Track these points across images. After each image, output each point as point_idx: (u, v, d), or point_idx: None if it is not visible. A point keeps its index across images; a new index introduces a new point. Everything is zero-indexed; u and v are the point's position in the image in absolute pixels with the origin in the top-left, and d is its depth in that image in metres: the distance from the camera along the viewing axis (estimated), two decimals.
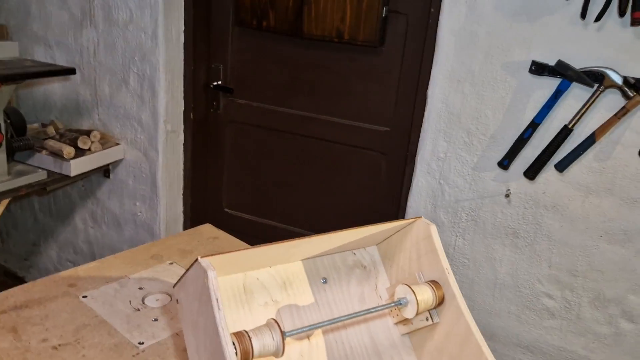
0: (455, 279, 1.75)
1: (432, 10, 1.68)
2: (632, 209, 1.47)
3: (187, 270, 0.79)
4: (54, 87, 2.36)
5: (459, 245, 1.74)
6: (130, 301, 1.15)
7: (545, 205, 1.58)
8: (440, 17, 1.60)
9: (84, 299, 1.14)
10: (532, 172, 1.56)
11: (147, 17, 2.03)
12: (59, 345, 1.00)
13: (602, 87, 1.42)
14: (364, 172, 2.04)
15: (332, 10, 1.82)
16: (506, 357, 1.75)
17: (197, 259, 0.75)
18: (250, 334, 0.75)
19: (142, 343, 1.03)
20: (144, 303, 1.15)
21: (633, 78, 1.38)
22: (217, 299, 0.72)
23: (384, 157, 1.99)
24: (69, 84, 2.31)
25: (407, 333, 0.98)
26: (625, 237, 1.50)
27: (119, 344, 1.02)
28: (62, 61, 2.27)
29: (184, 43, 2.13)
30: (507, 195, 1.62)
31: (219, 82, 2.19)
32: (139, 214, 2.35)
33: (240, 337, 0.74)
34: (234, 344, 0.73)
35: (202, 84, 2.22)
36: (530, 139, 1.54)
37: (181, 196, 2.37)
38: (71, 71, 2.01)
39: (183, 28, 2.11)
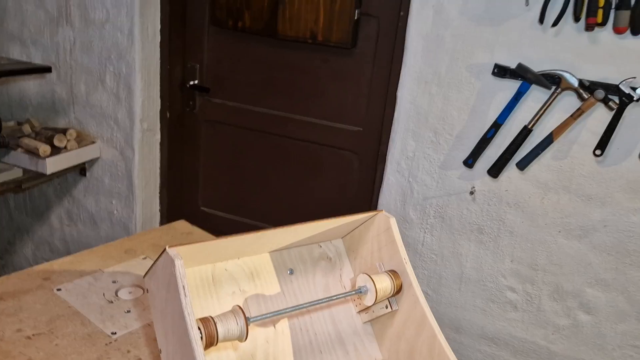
0: (424, 274, 1.82)
1: (401, 13, 1.74)
2: (588, 206, 1.55)
3: (156, 260, 0.83)
4: (30, 86, 2.36)
5: (427, 241, 1.80)
6: (103, 294, 1.19)
7: (508, 202, 1.65)
8: (409, 21, 1.66)
9: (58, 292, 1.17)
10: (495, 171, 1.63)
11: (124, 16, 2.06)
12: (33, 335, 1.03)
13: (559, 89, 1.49)
14: (337, 171, 2.09)
15: (306, 11, 1.87)
16: (471, 348, 1.81)
17: (165, 249, 0.80)
18: (215, 319, 0.79)
19: (115, 333, 1.06)
20: (117, 295, 1.19)
21: (588, 80, 1.46)
22: (183, 286, 0.76)
23: (357, 157, 2.04)
24: (45, 83, 2.32)
25: (369, 321, 1.04)
26: (582, 233, 1.58)
27: (92, 333, 1.05)
28: (38, 60, 2.28)
29: (160, 42, 2.16)
30: (471, 193, 1.68)
31: (195, 82, 2.23)
32: (115, 212, 2.37)
33: (206, 322, 0.78)
34: (199, 329, 0.77)
35: (178, 83, 2.25)
36: (494, 138, 1.61)
37: (157, 194, 2.40)
38: (47, 69, 2.03)
39: (159, 27, 2.14)
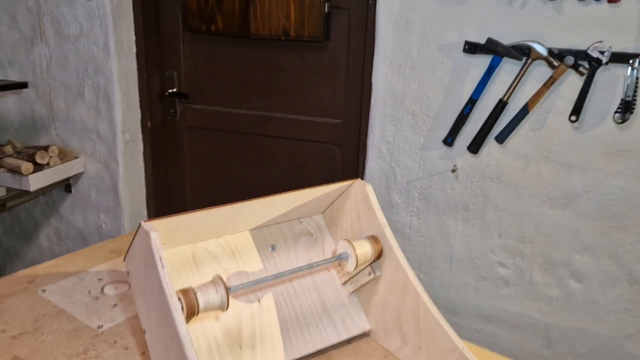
0: (414, 257, 1.81)
1: (369, 2, 1.76)
2: (569, 173, 1.56)
3: (133, 238, 0.83)
4: (9, 107, 2.36)
5: (414, 224, 1.80)
6: (89, 291, 1.18)
7: (490, 177, 1.66)
8: (377, 7, 1.68)
9: (43, 293, 1.16)
10: (474, 147, 1.64)
11: (97, 29, 2.07)
12: (18, 334, 1.02)
13: (530, 60, 1.51)
14: (321, 165, 2.10)
15: (277, 9, 1.89)
16: (468, 329, 1.81)
17: (140, 224, 0.80)
18: (195, 290, 0.79)
19: (101, 326, 1.05)
20: (102, 292, 1.18)
21: (557, 49, 1.48)
22: (160, 257, 0.76)
23: (339, 149, 2.05)
24: (24, 102, 2.32)
25: (354, 291, 1.03)
26: (566, 201, 1.59)
27: (78, 328, 1.04)
28: (15, 79, 2.29)
29: (136, 53, 2.17)
30: (454, 171, 1.69)
31: (174, 89, 2.23)
32: (103, 226, 2.36)
33: (185, 292, 0.78)
34: (179, 299, 0.77)
35: (157, 92, 2.26)
36: (470, 115, 1.62)
37: (145, 205, 2.39)
38: (23, 85, 2.03)
39: (134, 38, 2.15)
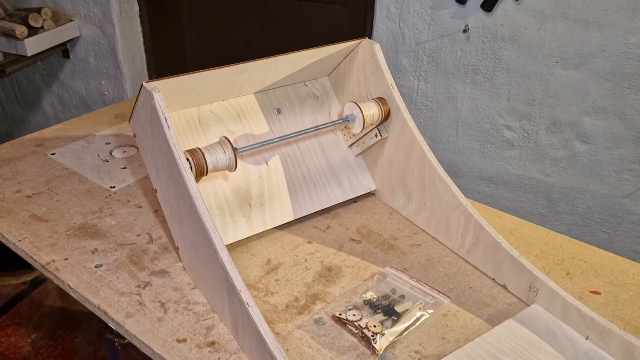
0: (420, 122, 1.81)
1: None
2: (586, 31, 1.49)
3: (136, 99, 0.82)
4: None
5: (421, 88, 1.77)
6: (98, 154, 1.19)
7: (503, 37, 1.59)
8: None
9: (52, 156, 1.18)
10: (489, 4, 1.55)
11: None
12: (33, 194, 1.05)
13: None
14: (327, 27, 2.01)
15: None
16: (470, 190, 1.85)
17: (142, 85, 0.78)
18: (203, 150, 0.79)
19: (114, 187, 1.08)
20: (111, 155, 1.19)
21: None
22: (165, 118, 0.75)
23: (346, 10, 1.94)
24: None
25: (361, 153, 1.04)
26: (579, 61, 1.53)
27: (91, 189, 1.07)
28: None
29: None
30: (465, 31, 1.62)
31: None
32: (106, 92, 2.33)
33: (193, 153, 0.78)
34: (188, 160, 0.78)
35: None
36: None
37: (145, 71, 2.34)
38: None
39: None
